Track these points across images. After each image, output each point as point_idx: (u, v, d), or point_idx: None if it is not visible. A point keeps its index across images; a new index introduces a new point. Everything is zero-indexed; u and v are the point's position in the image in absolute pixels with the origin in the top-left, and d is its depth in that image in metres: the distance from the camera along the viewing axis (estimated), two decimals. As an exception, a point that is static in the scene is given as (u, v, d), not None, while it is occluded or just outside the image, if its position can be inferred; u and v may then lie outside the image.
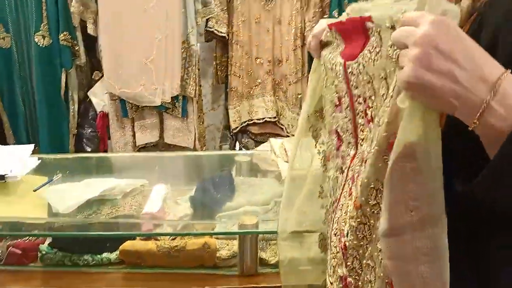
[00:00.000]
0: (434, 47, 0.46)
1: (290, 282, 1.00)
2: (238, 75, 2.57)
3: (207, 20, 2.46)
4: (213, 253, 1.25)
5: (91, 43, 2.48)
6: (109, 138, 2.45)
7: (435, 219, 0.51)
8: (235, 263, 1.26)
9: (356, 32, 0.67)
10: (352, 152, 0.71)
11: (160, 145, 2.51)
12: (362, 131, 0.67)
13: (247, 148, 2.61)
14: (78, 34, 2.36)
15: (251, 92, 2.59)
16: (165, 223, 1.34)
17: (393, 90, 0.55)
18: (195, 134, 2.47)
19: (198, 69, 2.44)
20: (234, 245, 1.28)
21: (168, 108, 2.38)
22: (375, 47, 0.62)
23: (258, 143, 2.60)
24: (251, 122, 2.62)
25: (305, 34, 2.51)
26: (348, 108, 0.71)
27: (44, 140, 2.38)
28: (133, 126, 2.41)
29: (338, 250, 0.70)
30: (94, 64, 2.59)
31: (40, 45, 2.29)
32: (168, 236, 1.30)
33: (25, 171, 1.53)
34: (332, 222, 0.78)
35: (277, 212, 1.40)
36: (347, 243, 0.66)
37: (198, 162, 1.95)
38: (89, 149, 2.48)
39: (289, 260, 1.02)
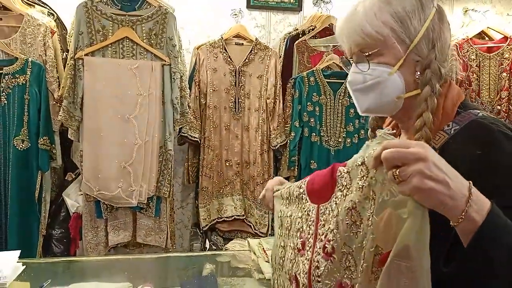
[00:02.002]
0: (432, 161, 0.62)
1: None
2: (209, 175, 2.76)
3: (181, 127, 2.69)
4: None
5: (65, 144, 2.60)
6: (81, 239, 2.47)
7: None
8: None
9: (324, 181, 0.84)
10: None
11: (130, 245, 2.56)
12: (318, 268, 0.79)
13: (217, 246, 2.71)
14: (56, 138, 2.49)
15: (221, 191, 2.77)
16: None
17: (372, 211, 0.70)
18: (167, 232, 2.56)
19: (172, 171, 2.60)
20: None
21: (142, 208, 2.49)
22: (345, 185, 0.77)
23: (226, 240, 2.72)
24: (220, 219, 2.76)
25: (270, 140, 2.80)
26: (310, 248, 0.83)
27: (13, 240, 2.35)
28: (106, 227, 2.46)
29: None
30: (67, 165, 2.68)
31: (19, 149, 2.37)
32: None
33: (13, 276, 1.55)
34: None
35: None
36: None
37: (177, 263, 2.03)
38: (58, 250, 2.47)
39: None
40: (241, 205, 2.78)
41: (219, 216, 2.77)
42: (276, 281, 1.06)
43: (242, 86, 2.78)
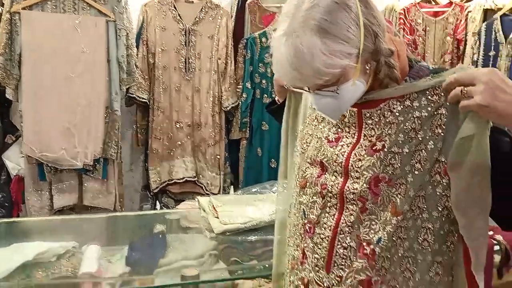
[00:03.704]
0: (495, 83, 0.74)
1: None
2: (159, 137, 2.71)
3: (128, 87, 2.60)
4: (155, 306, 1.33)
5: (3, 106, 2.46)
6: (23, 202, 2.37)
7: (487, 206, 0.80)
8: (176, 314, 1.35)
9: None
10: (340, 179, 0.90)
11: (77, 208, 2.50)
12: (360, 160, 0.88)
13: (168, 207, 2.69)
14: (-7, 99, 2.34)
15: (171, 153, 2.73)
16: (106, 281, 1.39)
17: (439, 124, 0.83)
18: (115, 195, 2.51)
19: (120, 133, 2.53)
20: (175, 297, 1.38)
21: (88, 170, 2.41)
22: (408, 97, 0.86)
23: (178, 201, 2.71)
24: (171, 182, 2.73)
25: (221, 101, 2.78)
26: (348, 144, 0.91)
27: None
28: (50, 189, 2.37)
29: (353, 259, 0.88)
30: (7, 127, 2.54)
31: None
32: (109, 294, 1.34)
33: None
34: (303, 240, 0.96)
35: (212, 264, 1.54)
36: (377, 249, 0.85)
37: (126, 223, 2.00)
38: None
39: None
40: (193, 167, 2.76)
41: (170, 178, 2.74)
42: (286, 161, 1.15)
43: (193, 46, 2.71)
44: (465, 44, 2.98)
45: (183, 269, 1.36)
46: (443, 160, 0.84)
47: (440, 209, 0.85)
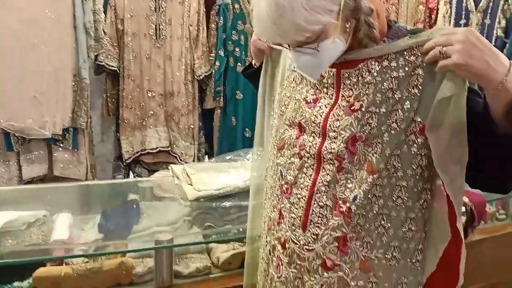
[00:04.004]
0: (471, 43, 0.76)
1: (254, 280, 1.17)
2: (130, 107, 2.65)
3: (97, 55, 2.52)
4: (129, 271, 1.33)
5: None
6: (-10, 174, 2.30)
7: (465, 162, 0.82)
8: (151, 278, 1.35)
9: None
10: (318, 140, 0.91)
11: (47, 179, 2.44)
12: (338, 120, 0.89)
13: (141, 177, 2.66)
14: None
15: (144, 123, 2.68)
16: (78, 247, 1.37)
17: (415, 84, 0.84)
18: (87, 165, 2.46)
19: (89, 101, 2.46)
20: (149, 262, 1.38)
21: (57, 140, 2.35)
22: (386, 57, 0.86)
23: (151, 172, 2.69)
24: (144, 152, 2.70)
25: (194, 70, 2.73)
26: (326, 105, 0.91)
27: None
28: (18, 160, 2.31)
29: (329, 218, 0.90)
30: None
31: None
32: (82, 260, 1.33)
33: None
34: (280, 201, 0.98)
35: (186, 230, 1.54)
36: (353, 206, 0.87)
37: (98, 191, 1.97)
38: (-35, 187, 2.28)
39: (253, 260, 1.18)
40: (166, 136, 2.73)
41: (143, 148, 2.71)
42: (263, 124, 1.16)
43: (163, 12, 2.63)
44: (437, 13, 3.01)
45: (157, 234, 1.36)
46: (418, 120, 0.85)
47: (414, 168, 0.87)
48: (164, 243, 1.31)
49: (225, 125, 2.91)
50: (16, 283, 1.26)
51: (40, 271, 1.27)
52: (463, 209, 1.72)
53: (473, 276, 1.78)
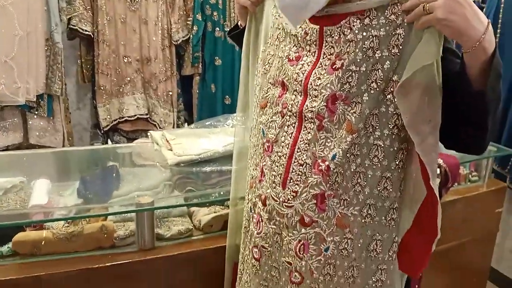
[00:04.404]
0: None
1: (237, 241, 1.21)
2: (106, 73, 2.58)
3: (70, 18, 2.42)
4: (111, 234, 1.33)
5: None
6: (-38, 143, 2.24)
7: (438, 123, 0.84)
8: (132, 241, 1.36)
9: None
10: (300, 98, 0.92)
11: (23, 148, 2.39)
12: (319, 79, 0.90)
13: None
14: None
15: (121, 90, 2.63)
16: (58, 211, 1.36)
17: (396, 44, 0.84)
18: (63, 133, 2.42)
19: (63, 67, 2.39)
20: (130, 225, 1.38)
21: (32, 107, 2.29)
22: (368, 15, 0.86)
23: (130, 140, 2.66)
24: (122, 119, 2.66)
25: (172, 35, 2.66)
26: (309, 62, 0.91)
27: None
28: (-9, 128, 2.24)
29: (308, 175, 0.91)
30: None
31: None
32: (62, 224, 1.33)
33: None
34: (262, 159, 0.99)
35: (167, 193, 1.55)
36: (331, 165, 0.88)
37: (76, 158, 1.95)
38: None
39: (236, 222, 1.21)
40: (144, 104, 2.68)
41: (121, 116, 2.66)
42: (247, 87, 1.16)
43: (137, -26, 2.53)
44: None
45: (138, 198, 1.36)
46: (396, 79, 0.86)
47: (390, 127, 0.89)
48: (145, 206, 1.32)
49: (204, 93, 2.87)
50: (-5, 248, 1.25)
51: (19, 236, 1.26)
52: (437, 171, 1.77)
53: (445, 235, 1.86)
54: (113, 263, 1.27)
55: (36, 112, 2.32)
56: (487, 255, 2.08)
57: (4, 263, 1.23)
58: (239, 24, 1.20)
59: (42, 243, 1.27)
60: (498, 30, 2.31)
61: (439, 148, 0.90)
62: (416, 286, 1.70)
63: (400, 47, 0.85)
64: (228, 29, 2.62)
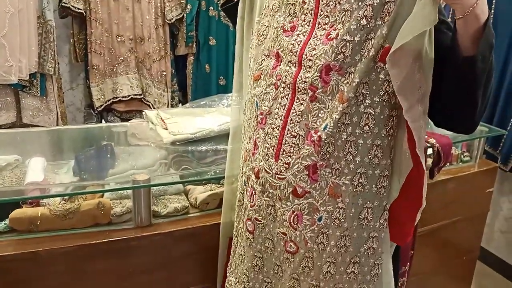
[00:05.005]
0: None
1: (232, 218, 1.22)
2: (99, 52, 2.56)
3: (62, -4, 2.39)
4: (107, 211, 1.33)
5: None
6: (-45, 122, 2.22)
7: (428, 90, 0.85)
8: (129, 218, 1.36)
9: None
10: (294, 69, 0.91)
11: (16, 127, 2.37)
12: (314, 49, 0.89)
13: (114, 125, 2.62)
14: None
15: (114, 69, 2.60)
16: (54, 188, 1.37)
17: (389, 12, 0.84)
18: (57, 113, 2.40)
19: (56, 46, 2.36)
20: (127, 203, 1.39)
21: (25, 86, 2.27)
22: None
23: (124, 120, 2.65)
24: (116, 99, 2.64)
25: (165, 13, 2.63)
26: (304, 33, 0.91)
27: None
28: (-16, 107, 2.23)
29: (301, 147, 0.92)
30: None
31: None
32: (59, 201, 1.33)
33: None
34: (256, 132, 0.99)
35: (163, 172, 1.55)
36: (323, 135, 0.89)
37: (71, 136, 1.93)
38: None
39: (231, 199, 1.22)
40: (138, 83, 2.67)
41: (115, 96, 2.64)
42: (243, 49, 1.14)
43: (130, -50, 2.49)
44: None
45: (134, 175, 1.36)
46: (387, 46, 0.85)
47: (381, 94, 0.89)
48: (141, 183, 1.32)
49: (198, 73, 2.86)
50: (-8, 224, 1.25)
51: (16, 212, 1.27)
52: (430, 151, 1.79)
53: (437, 214, 1.90)
54: (110, 239, 1.28)
55: (29, 92, 2.30)
56: (477, 234, 2.12)
57: (1, 239, 1.24)
58: None
59: (39, 220, 1.28)
60: (493, 6, 2.30)
61: (427, 118, 0.91)
62: (408, 263, 1.74)
63: (393, 14, 0.85)
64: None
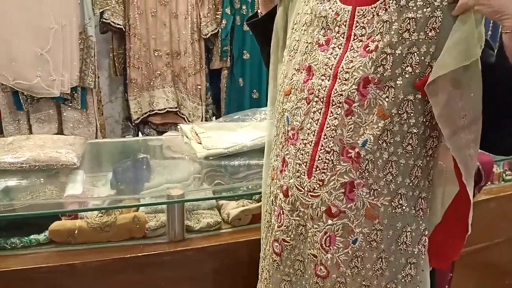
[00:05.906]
0: None
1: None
2: (137, 66, 2.63)
3: (102, 12, 2.47)
4: (142, 225, 1.36)
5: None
6: (1, 132, 2.32)
7: (477, 119, 0.81)
8: (163, 232, 1.38)
9: None
10: (328, 83, 0.90)
11: (57, 139, 2.46)
12: (352, 62, 0.88)
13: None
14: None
15: (151, 83, 2.67)
16: (92, 201, 1.40)
17: (433, 27, 0.82)
18: (96, 125, 2.48)
19: (96, 60, 2.44)
20: (161, 217, 1.41)
21: (66, 99, 2.36)
22: None
23: (160, 133, 2.70)
24: (153, 112, 2.70)
25: (201, 28, 2.68)
26: (339, 45, 0.90)
27: None
28: (28, 119, 2.33)
29: (336, 163, 0.89)
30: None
31: None
32: (96, 214, 1.36)
33: None
34: (284, 148, 0.98)
35: (197, 187, 1.57)
36: (362, 151, 0.87)
37: (108, 149, 1.99)
38: (-24, 146, 2.31)
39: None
40: (174, 97, 2.72)
41: (151, 109, 2.71)
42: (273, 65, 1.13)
43: (168, -32, 2.55)
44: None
45: (169, 190, 1.38)
46: (433, 65, 0.83)
47: (425, 114, 0.86)
48: (175, 198, 1.34)
49: (232, 86, 2.89)
50: (33, 236, 1.30)
51: (55, 224, 1.31)
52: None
53: (478, 235, 1.82)
54: (143, 254, 1.30)
55: (70, 104, 2.38)
56: (521, 256, 2.02)
57: (40, 251, 1.28)
58: (259, 12, 1.17)
59: (76, 228, 1.31)
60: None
61: (477, 147, 0.85)
62: (446, 286, 1.68)
63: (438, 31, 0.82)
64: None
